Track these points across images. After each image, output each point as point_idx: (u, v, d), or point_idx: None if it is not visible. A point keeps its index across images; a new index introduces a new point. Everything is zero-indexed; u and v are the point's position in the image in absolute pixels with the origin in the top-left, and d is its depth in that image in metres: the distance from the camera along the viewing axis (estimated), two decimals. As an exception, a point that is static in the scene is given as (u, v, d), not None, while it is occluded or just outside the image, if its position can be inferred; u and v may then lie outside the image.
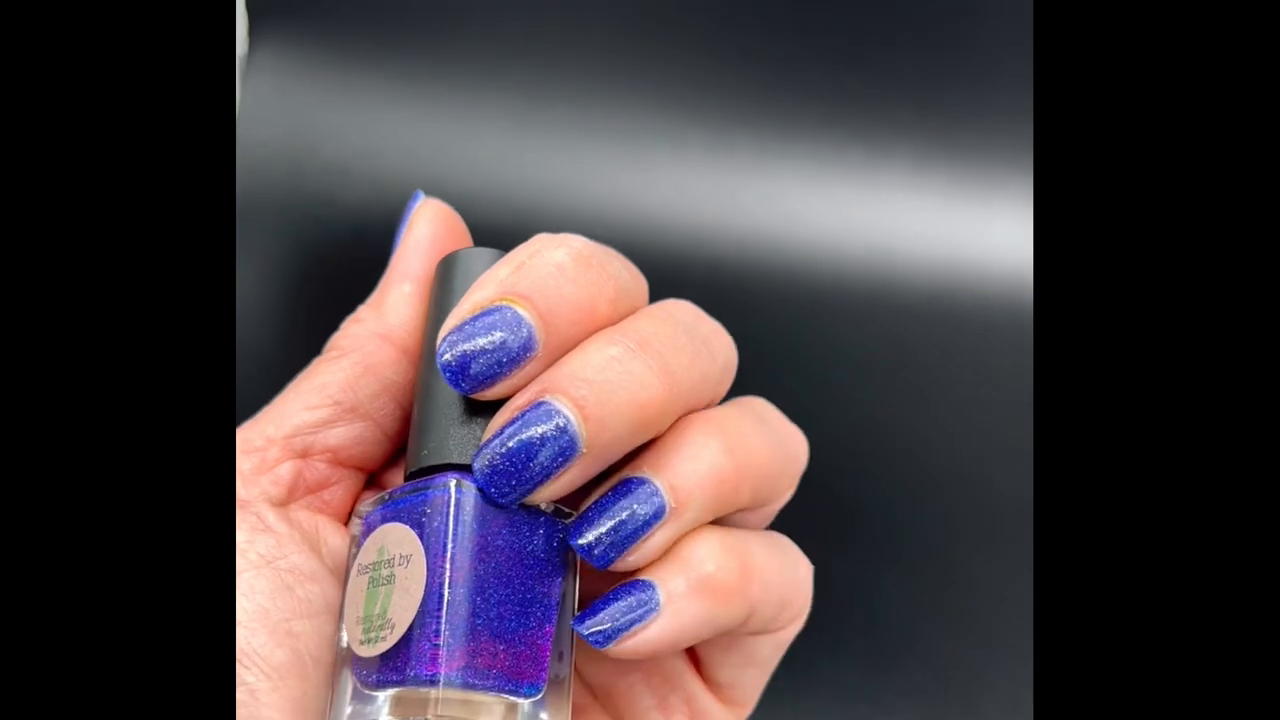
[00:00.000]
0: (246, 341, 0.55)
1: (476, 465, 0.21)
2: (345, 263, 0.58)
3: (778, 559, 0.23)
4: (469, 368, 0.21)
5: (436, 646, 0.20)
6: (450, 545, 0.20)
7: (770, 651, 0.24)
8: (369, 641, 0.21)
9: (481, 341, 0.21)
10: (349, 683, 0.21)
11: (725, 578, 0.21)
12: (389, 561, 0.21)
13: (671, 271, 0.51)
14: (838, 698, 0.43)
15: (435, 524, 0.21)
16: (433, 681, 0.20)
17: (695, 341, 0.22)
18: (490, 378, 0.21)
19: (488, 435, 0.21)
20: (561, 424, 0.20)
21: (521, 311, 0.21)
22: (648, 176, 0.60)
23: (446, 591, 0.20)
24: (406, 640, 0.20)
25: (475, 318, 0.21)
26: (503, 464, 0.21)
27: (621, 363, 0.21)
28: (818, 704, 0.43)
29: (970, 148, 0.59)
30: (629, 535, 0.21)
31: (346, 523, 0.24)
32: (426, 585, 0.20)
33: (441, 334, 0.21)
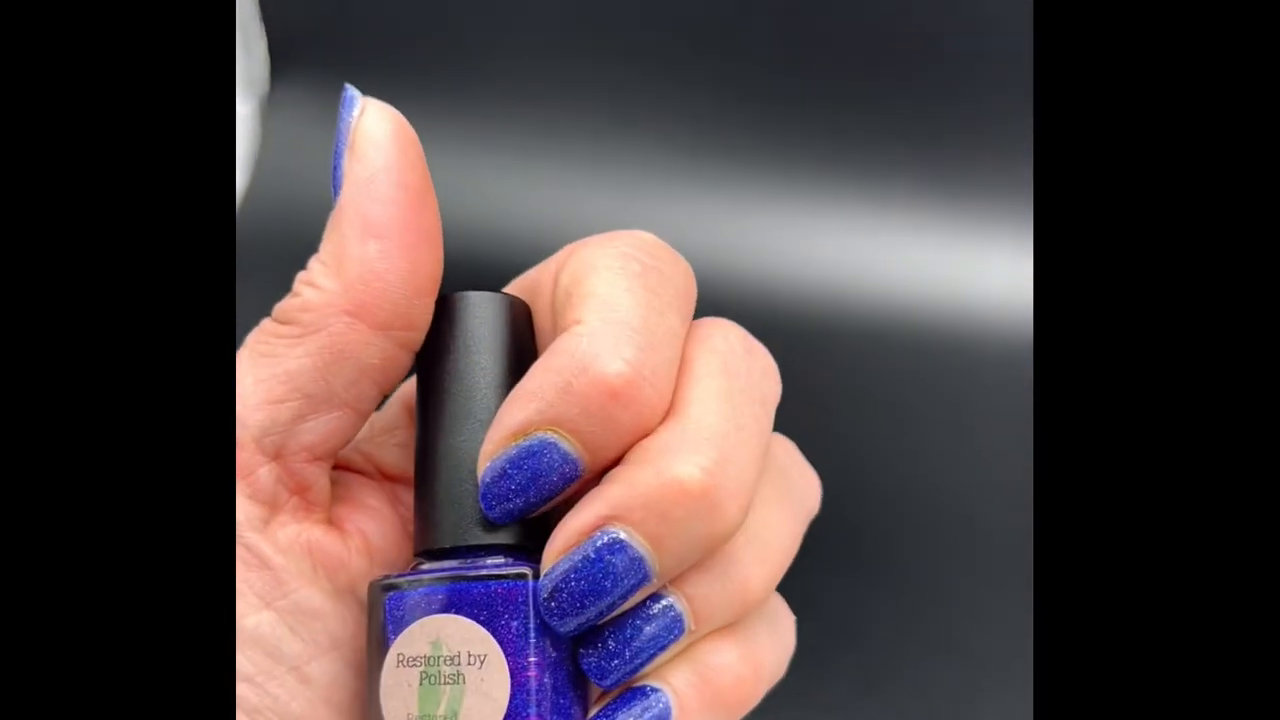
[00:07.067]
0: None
1: (542, 599, 0.19)
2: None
3: (781, 646, 0.21)
4: (509, 504, 0.20)
5: None
6: (534, 650, 0.19)
7: None
8: None
9: (521, 481, 0.19)
10: None
11: (741, 692, 0.20)
12: (452, 659, 0.20)
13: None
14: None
15: (513, 625, 0.19)
16: None
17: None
18: (532, 508, 0.20)
19: (552, 562, 0.19)
20: (634, 555, 0.18)
21: (566, 447, 0.19)
22: (651, 215, 0.60)
23: (536, 697, 0.19)
24: None
25: (515, 456, 0.19)
26: (570, 599, 0.19)
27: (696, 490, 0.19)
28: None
29: (969, 185, 0.59)
30: (644, 660, 0.20)
31: (330, 520, 0.22)
32: (512, 692, 0.19)
33: (481, 461, 0.20)
